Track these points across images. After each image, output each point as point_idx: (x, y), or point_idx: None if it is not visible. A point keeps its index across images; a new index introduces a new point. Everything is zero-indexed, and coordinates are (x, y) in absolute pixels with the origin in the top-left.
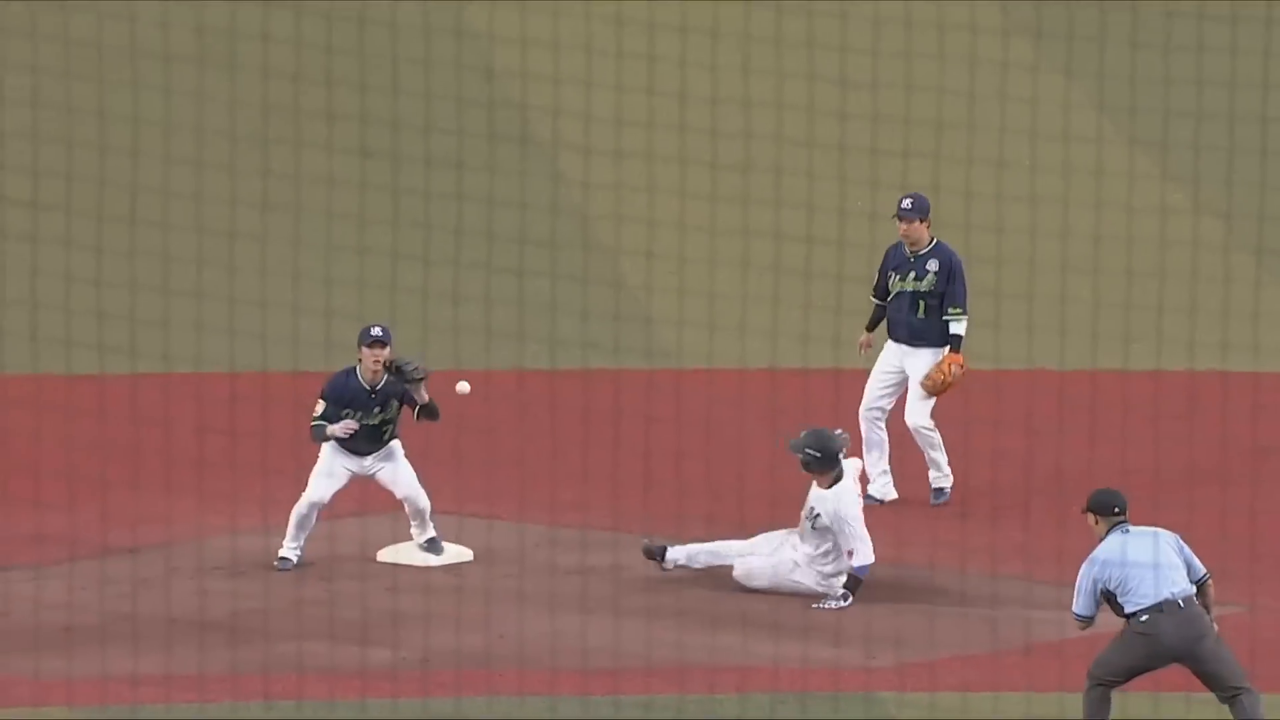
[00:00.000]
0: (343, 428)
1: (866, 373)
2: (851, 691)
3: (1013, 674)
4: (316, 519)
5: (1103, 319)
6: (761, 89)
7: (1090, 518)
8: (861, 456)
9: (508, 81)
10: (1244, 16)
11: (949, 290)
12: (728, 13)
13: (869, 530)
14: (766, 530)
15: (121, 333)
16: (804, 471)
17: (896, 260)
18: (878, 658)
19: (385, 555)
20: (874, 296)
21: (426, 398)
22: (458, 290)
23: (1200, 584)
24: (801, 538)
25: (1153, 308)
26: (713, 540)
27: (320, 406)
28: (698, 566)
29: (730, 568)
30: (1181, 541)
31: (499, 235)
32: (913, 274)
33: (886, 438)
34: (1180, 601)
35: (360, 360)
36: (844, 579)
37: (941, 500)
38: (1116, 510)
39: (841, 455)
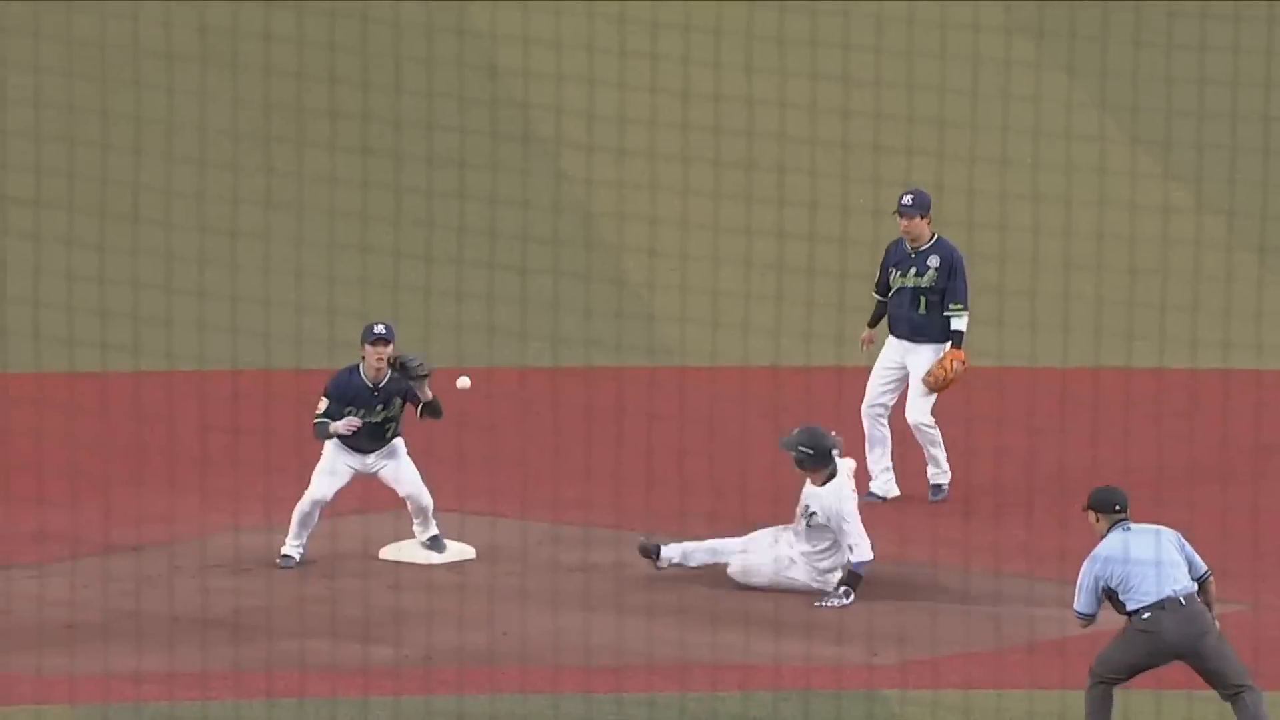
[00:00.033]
0: (345, 424)
1: (868, 370)
2: (854, 689)
3: (1015, 671)
4: (319, 517)
5: (1105, 317)
6: (764, 87)
7: (1091, 515)
8: (864, 454)
9: (510, 80)
10: (1247, 15)
11: (950, 286)
12: (730, 11)
13: (872, 527)
14: (762, 527)
15: (124, 331)
16: (797, 469)
17: (898, 256)
18: (880, 655)
19: (387, 553)
20: (876, 293)
21: (430, 395)
22: (460, 288)
23: (1202, 581)
24: (796, 535)
25: (1155, 306)
26: (707, 538)
27: (323, 404)
28: (693, 565)
29: (725, 565)
30: (1182, 539)
31: (501, 233)
32: (914, 270)
33: (889, 435)
34: (1182, 599)
35: (363, 358)
36: (839, 575)
37: (939, 497)
38: (1117, 508)
39: (835, 452)
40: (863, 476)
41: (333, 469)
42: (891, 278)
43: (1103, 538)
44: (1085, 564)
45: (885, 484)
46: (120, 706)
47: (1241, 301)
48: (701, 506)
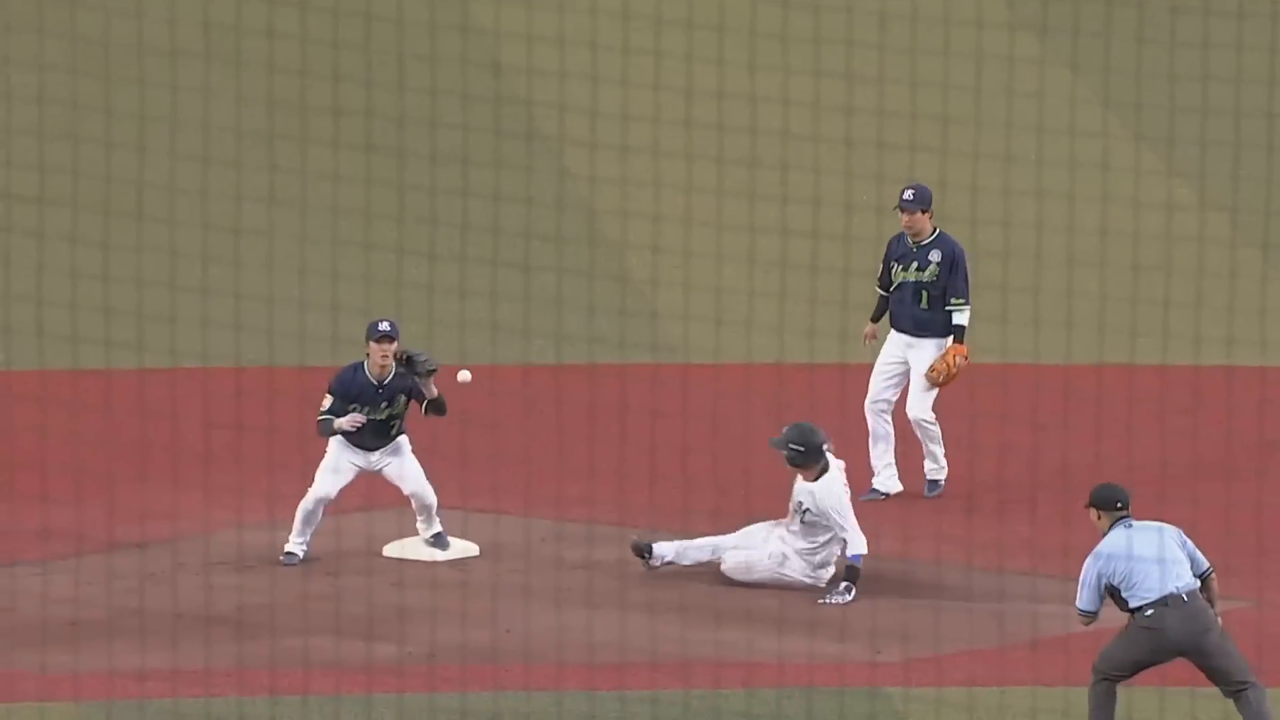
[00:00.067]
0: (349, 421)
1: (872, 366)
2: (857, 686)
3: (1019, 669)
4: (322, 514)
5: (1109, 313)
6: (768, 84)
7: (1093, 513)
8: (867, 451)
9: (514, 77)
10: (1250, 12)
11: (951, 281)
12: (734, 8)
13: (875, 525)
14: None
15: (128, 328)
16: (789, 467)
17: (899, 251)
18: (884, 653)
19: (391, 550)
20: (879, 287)
21: (435, 392)
22: (464, 285)
23: (1204, 578)
24: (791, 531)
25: (1159, 302)
26: (700, 536)
27: (327, 401)
28: (686, 563)
29: (719, 563)
30: (1184, 535)
31: (505, 230)
32: (915, 264)
33: (892, 430)
34: (1184, 596)
35: (368, 355)
36: (832, 570)
37: (936, 493)
38: (1119, 505)
39: (826, 447)
40: (866, 473)
41: (336, 466)
42: (893, 272)
43: (1104, 535)
44: (1088, 561)
45: (888, 480)
46: (124, 704)
47: (1245, 298)
48: (705, 504)
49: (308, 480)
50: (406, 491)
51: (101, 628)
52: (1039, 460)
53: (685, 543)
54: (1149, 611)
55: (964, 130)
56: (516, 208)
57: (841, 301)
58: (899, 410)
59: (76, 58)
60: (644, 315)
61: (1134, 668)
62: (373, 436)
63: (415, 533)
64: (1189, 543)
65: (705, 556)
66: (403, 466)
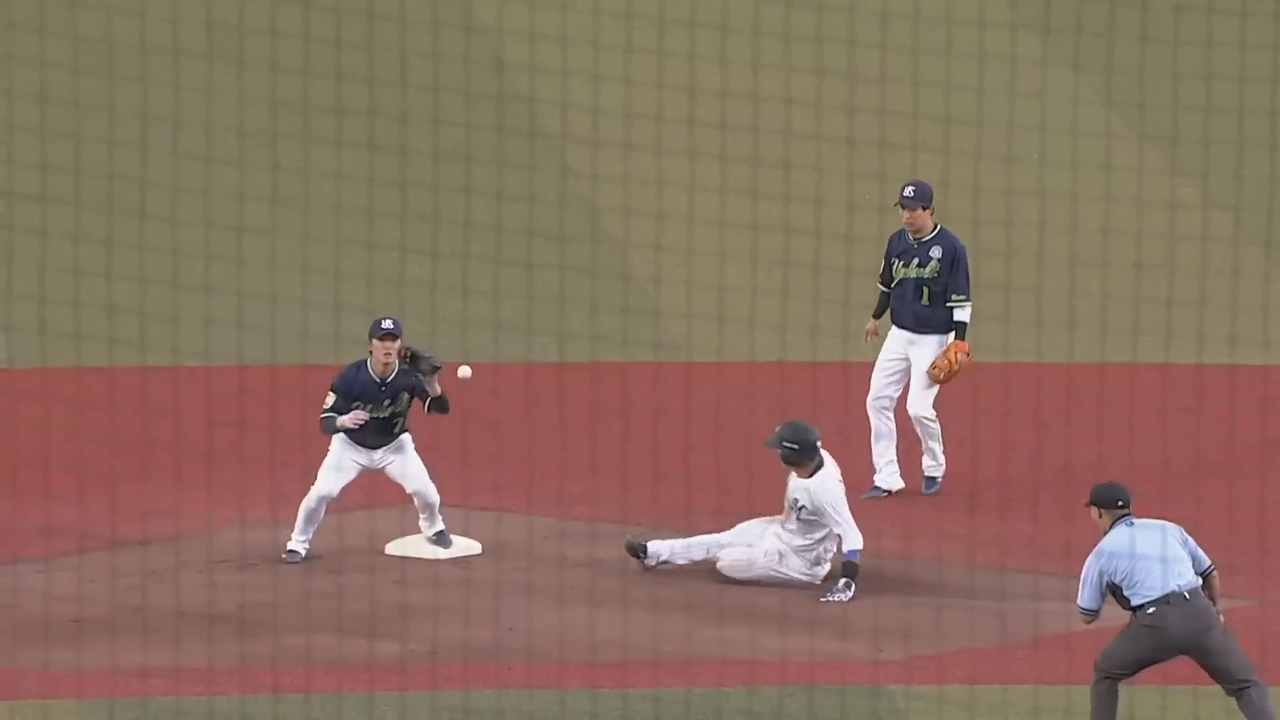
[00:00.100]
0: (352, 418)
1: (873, 363)
2: (859, 684)
3: (1021, 667)
4: (325, 512)
5: (1111, 312)
6: (770, 83)
7: (1094, 511)
8: (869, 448)
9: (516, 75)
10: (1253, 11)
11: (952, 277)
12: (737, 7)
13: (877, 523)
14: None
15: (131, 326)
16: (784, 465)
17: (900, 247)
18: (885, 651)
19: (393, 548)
20: (880, 284)
21: (439, 390)
22: (466, 283)
23: (1205, 575)
24: (787, 529)
25: (1161, 301)
26: (695, 534)
27: (330, 399)
28: (681, 562)
29: (715, 561)
30: (1185, 533)
31: (507, 228)
32: (916, 260)
33: (894, 428)
34: (1186, 594)
35: (371, 353)
36: (827, 568)
37: (933, 490)
38: (1120, 503)
39: (819, 444)
40: (868, 470)
41: (339, 465)
42: (894, 269)
43: (1106, 533)
44: (1089, 559)
45: (890, 477)
46: (127, 701)
47: (1248, 296)
48: (707, 502)
49: (310, 478)
50: (409, 490)
51: (104, 625)
52: (1041, 458)
53: (680, 541)
54: (1151, 610)
55: (966, 130)
56: (519, 206)
57: (844, 300)
58: (900, 407)
59: (79, 56)
60: (647, 313)
61: (1136, 666)
62: (375, 435)
63: (418, 531)
64: (1190, 540)
65: (700, 555)
66: (405, 464)
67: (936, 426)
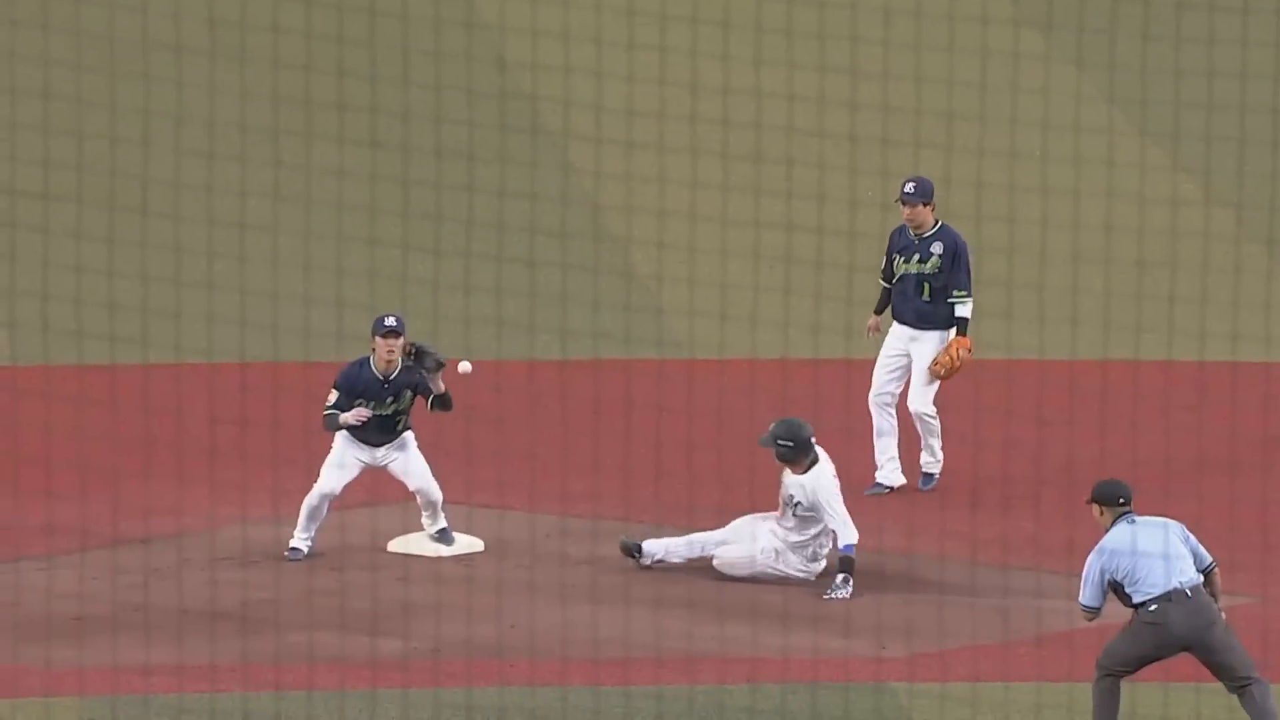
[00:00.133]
0: (355, 415)
1: (875, 360)
2: (862, 682)
3: (1023, 664)
4: (327, 510)
5: (1114, 309)
6: (773, 80)
7: (1095, 509)
8: (871, 445)
9: (518, 72)
10: (1255, 8)
11: (953, 273)
12: (739, 4)
13: (880, 520)
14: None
15: (133, 323)
16: (779, 462)
17: (901, 243)
18: (888, 648)
19: (396, 545)
20: (882, 280)
21: (443, 387)
22: (469, 281)
23: (1207, 572)
24: (783, 526)
25: (1164, 298)
26: (692, 532)
27: (333, 396)
28: (677, 560)
29: (710, 558)
30: (1187, 530)
31: (510, 226)
32: (917, 256)
33: (896, 424)
34: (1188, 591)
35: (374, 350)
36: (824, 564)
37: (930, 485)
38: (1121, 500)
39: (813, 440)
40: (870, 467)
41: (341, 462)
42: (895, 265)
43: (1107, 530)
44: (1091, 557)
45: (891, 473)
46: (129, 699)
47: (1250, 294)
48: (710, 499)
49: (313, 476)
50: (412, 487)
51: (106, 623)
52: (1043, 456)
53: (675, 540)
54: (1153, 607)
55: (969, 126)
56: (521, 203)
57: (846, 297)
58: (901, 404)
59: (81, 53)
60: (649, 311)
61: (1138, 663)
62: (378, 432)
63: (420, 528)
64: (1191, 538)
65: (696, 553)
66: (408, 462)
67: (937, 423)
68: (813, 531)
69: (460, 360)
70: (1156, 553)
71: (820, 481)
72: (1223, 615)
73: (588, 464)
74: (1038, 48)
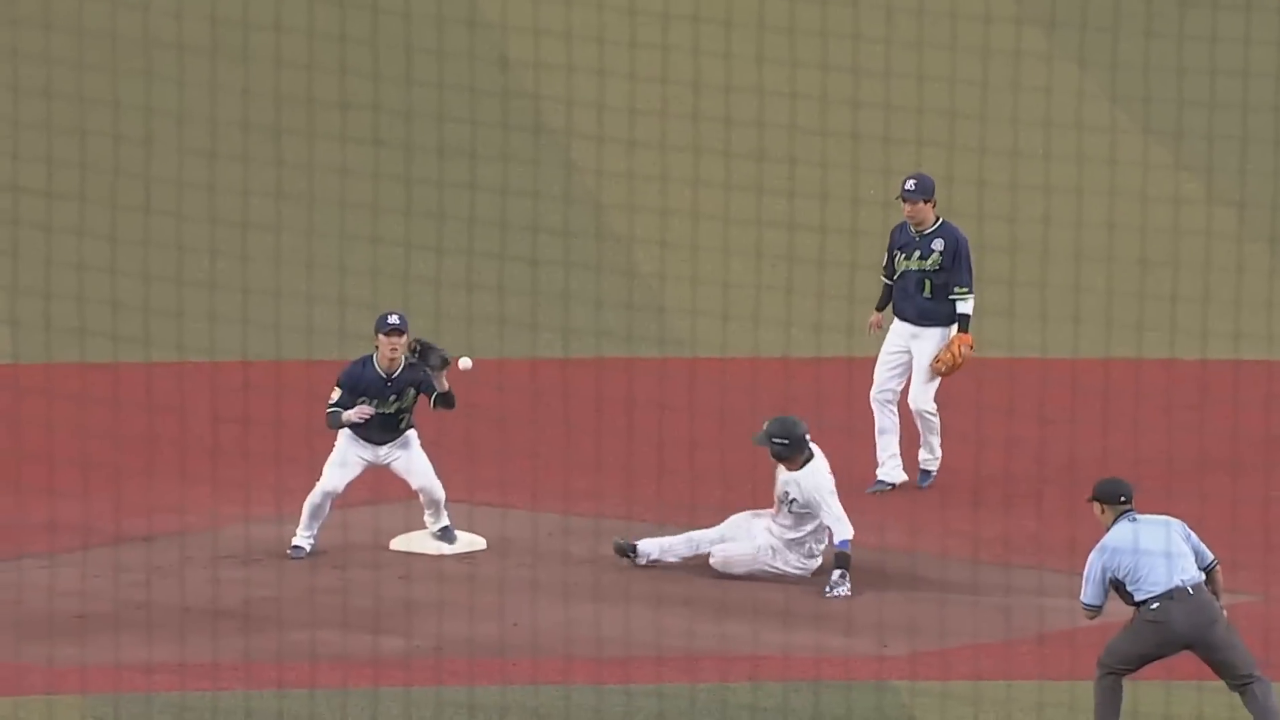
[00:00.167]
0: (358, 412)
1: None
2: (864, 680)
3: (1025, 662)
4: (330, 508)
5: (1116, 308)
6: (774, 78)
7: (1096, 507)
8: (873, 442)
9: (521, 71)
10: (1258, 6)
11: (954, 270)
12: (741, 2)
13: (882, 518)
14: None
15: (135, 322)
16: (775, 460)
17: (902, 240)
18: (890, 646)
19: (398, 544)
20: (883, 276)
21: (446, 386)
22: (471, 279)
23: (1208, 570)
24: (779, 523)
25: (1166, 297)
26: (683, 531)
27: (336, 394)
28: (672, 559)
29: (705, 555)
30: (1188, 528)
31: (512, 224)
32: (918, 253)
33: (898, 421)
34: (1190, 589)
35: (377, 348)
36: (819, 561)
37: (928, 482)
38: (1123, 499)
39: (808, 437)
40: (873, 466)
41: (344, 461)
42: (896, 261)
43: (1109, 529)
44: (1093, 555)
45: (892, 470)
46: (131, 697)
47: (1252, 292)
48: (712, 498)
49: (315, 474)
50: (415, 486)
51: (108, 621)
52: (1046, 454)
53: (670, 538)
54: (1155, 605)
55: (971, 125)
56: (524, 202)
57: (848, 296)
58: (903, 400)
59: (83, 51)
60: (651, 309)
61: (1140, 661)
62: (381, 430)
63: (422, 526)
64: (1193, 536)
65: (691, 551)
66: (411, 460)
67: (937, 421)
68: (808, 528)
69: (461, 356)
70: (1158, 551)
71: (815, 478)
72: (1224, 613)
73: (590, 462)
74: (1040, 46)
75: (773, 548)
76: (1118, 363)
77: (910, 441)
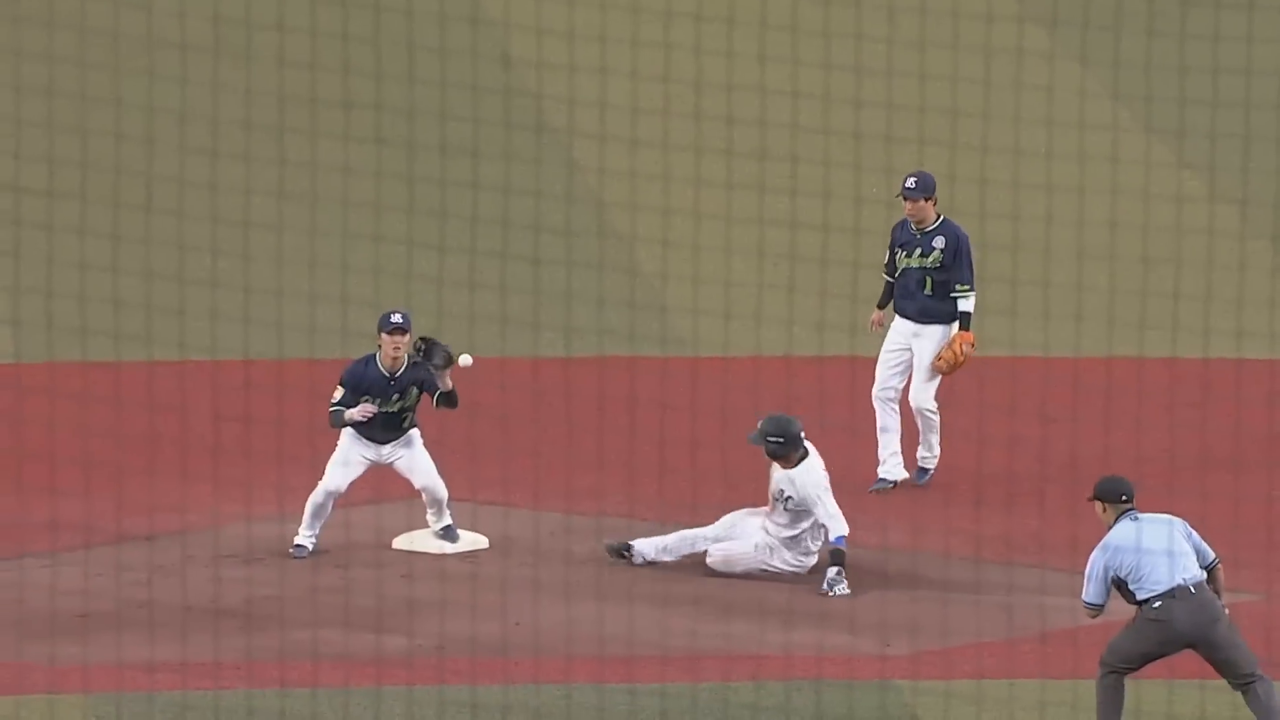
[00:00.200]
0: (361, 411)
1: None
2: (866, 679)
3: (1028, 661)
4: (332, 507)
5: (1118, 306)
6: (777, 76)
7: (1098, 506)
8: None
9: (523, 70)
10: (1261, 4)
11: (955, 268)
12: (743, 0)
13: (884, 517)
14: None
15: (137, 320)
16: (770, 458)
17: (903, 237)
18: (892, 645)
19: (400, 543)
20: (885, 273)
21: (450, 384)
22: (473, 278)
23: (1210, 569)
24: (775, 521)
25: (1168, 295)
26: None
27: (338, 392)
28: (669, 558)
29: (702, 554)
30: (1189, 527)
31: (514, 223)
32: (919, 250)
33: (900, 420)
34: (1192, 587)
35: (380, 347)
36: (815, 558)
37: (925, 479)
38: (1124, 498)
39: (802, 434)
40: (875, 465)
41: (347, 460)
42: (897, 259)
43: (1110, 528)
44: (1095, 553)
45: (894, 468)
46: (133, 696)
47: (1255, 290)
48: (714, 497)
49: (317, 473)
50: (418, 485)
51: (110, 620)
52: (1048, 453)
53: (665, 537)
54: (1157, 604)
55: (973, 123)
56: (526, 200)
57: (851, 295)
58: (904, 398)
59: (85, 50)
60: (653, 308)
61: (1142, 660)
62: (384, 429)
63: (425, 525)
64: (1194, 534)
65: (687, 549)
66: (413, 460)
67: (937, 419)
68: (804, 526)
69: (461, 354)
70: (1160, 549)
71: (810, 476)
72: (1226, 612)
73: (592, 461)
74: (1042, 44)
75: (769, 546)
76: (1120, 361)
77: (911, 439)
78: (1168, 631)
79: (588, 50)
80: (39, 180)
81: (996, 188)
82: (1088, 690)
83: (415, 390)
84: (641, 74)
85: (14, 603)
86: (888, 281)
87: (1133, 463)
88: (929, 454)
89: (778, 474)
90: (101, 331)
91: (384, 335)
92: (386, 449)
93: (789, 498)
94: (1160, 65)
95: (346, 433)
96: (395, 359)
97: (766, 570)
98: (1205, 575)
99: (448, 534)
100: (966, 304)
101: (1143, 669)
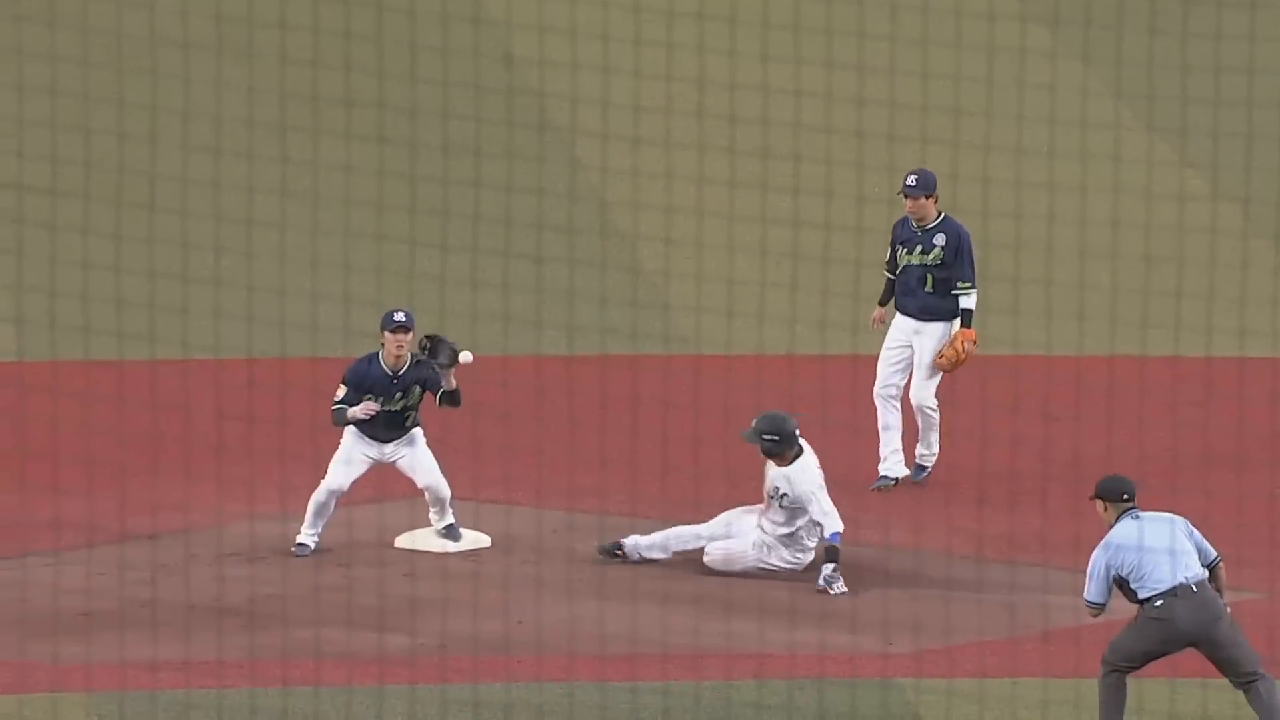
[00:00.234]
0: (363, 409)
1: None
2: (869, 678)
3: (1030, 660)
4: (335, 506)
5: (1121, 305)
6: (779, 75)
7: (1099, 504)
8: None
9: (526, 68)
10: (1263, 3)
11: (956, 265)
12: None
13: (884, 515)
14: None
15: (140, 319)
16: (765, 456)
17: (904, 235)
18: (895, 644)
19: (403, 541)
20: (886, 271)
21: (454, 383)
22: (476, 276)
23: (1212, 567)
24: (771, 520)
25: (1171, 293)
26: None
27: (341, 391)
28: (663, 555)
29: (697, 551)
30: (1191, 526)
31: (517, 221)
32: (920, 248)
33: (901, 418)
34: (1194, 586)
35: (383, 345)
36: (811, 555)
37: (923, 476)
38: (1125, 496)
39: (797, 432)
40: (876, 462)
41: (349, 458)
42: (898, 256)
43: (1112, 526)
44: (1096, 552)
45: (895, 465)
46: (136, 694)
47: (1257, 289)
48: (716, 495)
49: (320, 471)
50: (420, 484)
51: (113, 619)
52: (1050, 452)
53: (657, 534)
54: (1158, 602)
55: (975, 122)
56: (528, 199)
57: (853, 293)
58: (904, 396)
59: (88, 49)
60: (656, 306)
61: (1144, 659)
62: (386, 428)
63: (427, 524)
64: (1195, 533)
65: (681, 547)
66: (416, 458)
67: (937, 416)
68: (800, 523)
69: (462, 350)
70: (1162, 548)
71: (805, 474)
72: (1228, 611)
73: (594, 459)
74: (1044, 43)
75: (767, 545)
76: (1122, 360)
77: (912, 437)
78: (1170, 630)
79: (590, 49)
80: (42, 179)
81: (999, 186)
82: (1090, 689)
83: (418, 389)
84: (644, 72)
85: (17, 602)
86: (889, 279)
87: (1136, 461)
88: (928, 452)
89: (773, 471)
90: (104, 330)
91: (387, 334)
92: (389, 448)
93: (784, 495)
94: (1163, 64)
95: (349, 431)
96: (398, 357)
97: (764, 568)
98: (1207, 574)
99: (450, 532)
100: (968, 301)
101: (1145, 668)
